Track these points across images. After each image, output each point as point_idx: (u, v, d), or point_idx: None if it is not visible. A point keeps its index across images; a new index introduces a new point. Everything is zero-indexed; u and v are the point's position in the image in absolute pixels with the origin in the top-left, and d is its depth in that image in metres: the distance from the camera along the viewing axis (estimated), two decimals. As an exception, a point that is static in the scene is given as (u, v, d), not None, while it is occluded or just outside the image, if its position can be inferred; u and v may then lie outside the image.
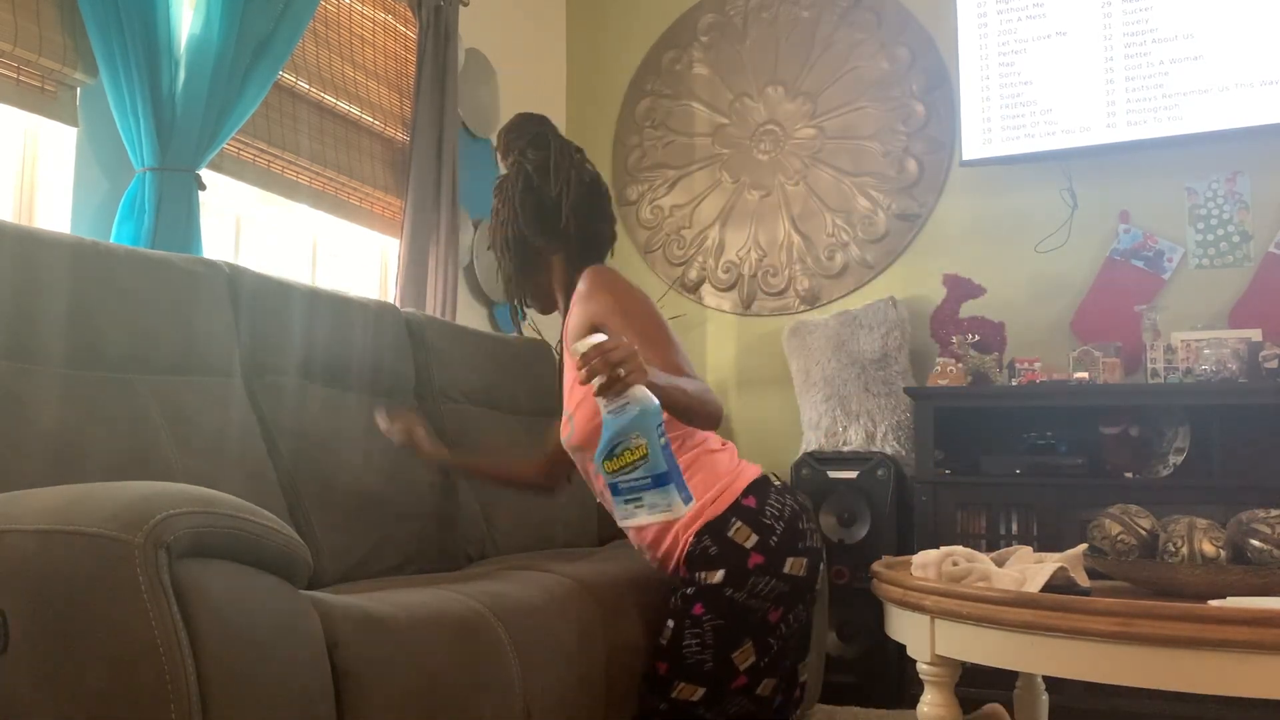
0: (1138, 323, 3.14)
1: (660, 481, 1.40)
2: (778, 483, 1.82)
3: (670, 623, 1.72)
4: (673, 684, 1.68)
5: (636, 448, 1.39)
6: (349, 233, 3.04)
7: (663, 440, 1.41)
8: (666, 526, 1.76)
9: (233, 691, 1.01)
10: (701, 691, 1.67)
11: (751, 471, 1.80)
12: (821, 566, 1.83)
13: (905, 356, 3.35)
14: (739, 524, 1.71)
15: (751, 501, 1.73)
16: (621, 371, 1.38)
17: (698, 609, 1.69)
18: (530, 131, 1.95)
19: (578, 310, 1.80)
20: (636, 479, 1.41)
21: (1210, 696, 2.48)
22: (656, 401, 1.42)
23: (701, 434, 1.82)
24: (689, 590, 1.71)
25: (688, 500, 1.43)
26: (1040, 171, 3.39)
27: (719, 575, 1.68)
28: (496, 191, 1.97)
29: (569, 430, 1.84)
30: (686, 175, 3.93)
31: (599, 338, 1.41)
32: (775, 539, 1.71)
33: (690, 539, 1.73)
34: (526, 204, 1.90)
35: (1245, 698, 1.31)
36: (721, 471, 1.77)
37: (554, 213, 1.89)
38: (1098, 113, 3.19)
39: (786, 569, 1.70)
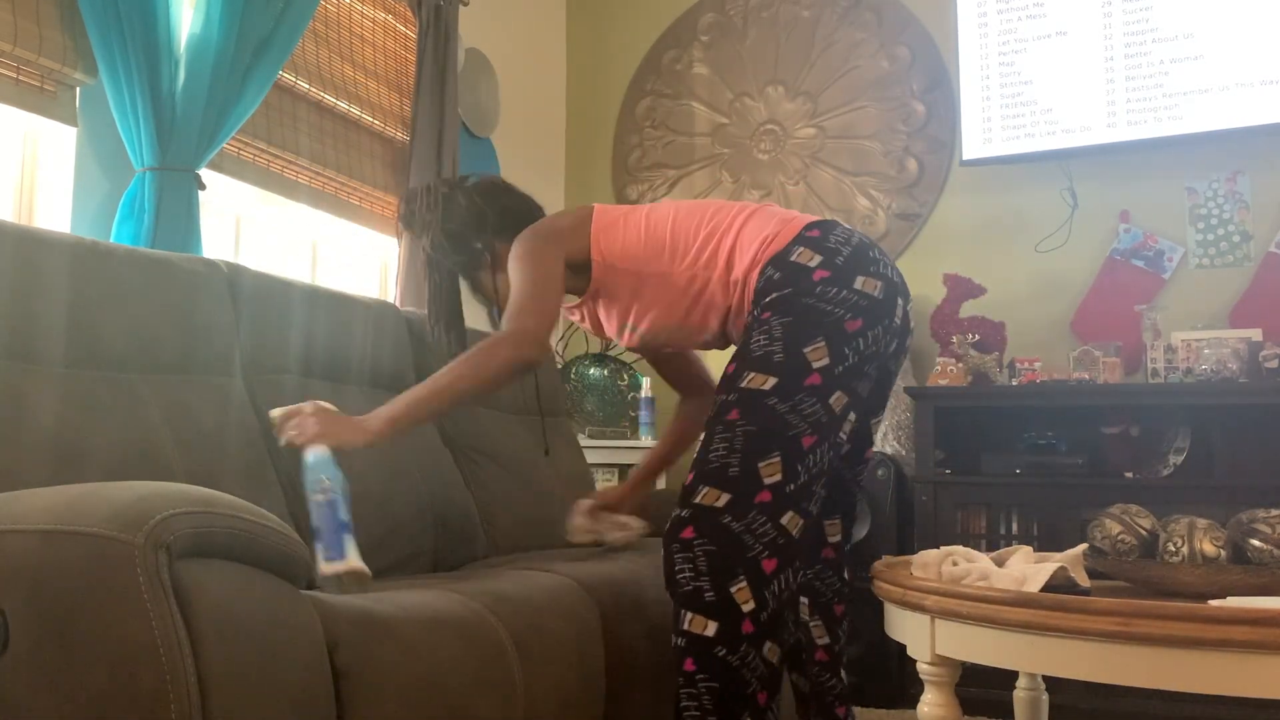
0: (1138, 323, 3.14)
1: (315, 534, 1.52)
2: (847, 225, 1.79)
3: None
4: (697, 489, 1.59)
5: (307, 497, 1.58)
6: (349, 233, 3.04)
7: (320, 499, 1.54)
8: (726, 286, 1.74)
9: (233, 691, 1.01)
10: (726, 497, 1.56)
11: (809, 218, 1.77)
12: (906, 307, 1.74)
13: (905, 356, 3.35)
14: (801, 249, 1.67)
15: (815, 232, 1.70)
16: (292, 434, 1.64)
17: (733, 414, 1.59)
18: (418, 203, 2.00)
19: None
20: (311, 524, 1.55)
21: (1210, 696, 2.48)
22: (314, 458, 1.60)
23: (723, 215, 1.78)
24: (729, 397, 1.61)
25: (329, 559, 1.47)
26: (1040, 171, 3.39)
27: (788, 289, 1.64)
28: (427, 261, 2.01)
29: (632, 336, 1.89)
30: (686, 175, 3.93)
31: (278, 412, 1.67)
32: (841, 259, 1.66)
33: (755, 277, 1.69)
34: (450, 237, 1.95)
35: (1245, 698, 1.31)
36: (777, 218, 1.75)
37: (470, 219, 1.94)
38: (1098, 112, 3.19)
39: (858, 285, 1.64)
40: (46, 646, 0.98)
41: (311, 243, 2.96)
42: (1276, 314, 3.05)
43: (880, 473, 3.11)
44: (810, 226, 1.72)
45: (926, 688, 1.63)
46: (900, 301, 1.72)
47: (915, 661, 1.65)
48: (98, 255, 1.68)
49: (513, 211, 1.96)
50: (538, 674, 1.48)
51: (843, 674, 1.91)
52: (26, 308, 1.55)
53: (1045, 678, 2.08)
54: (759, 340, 1.62)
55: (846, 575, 1.95)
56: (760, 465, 1.57)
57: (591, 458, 3.08)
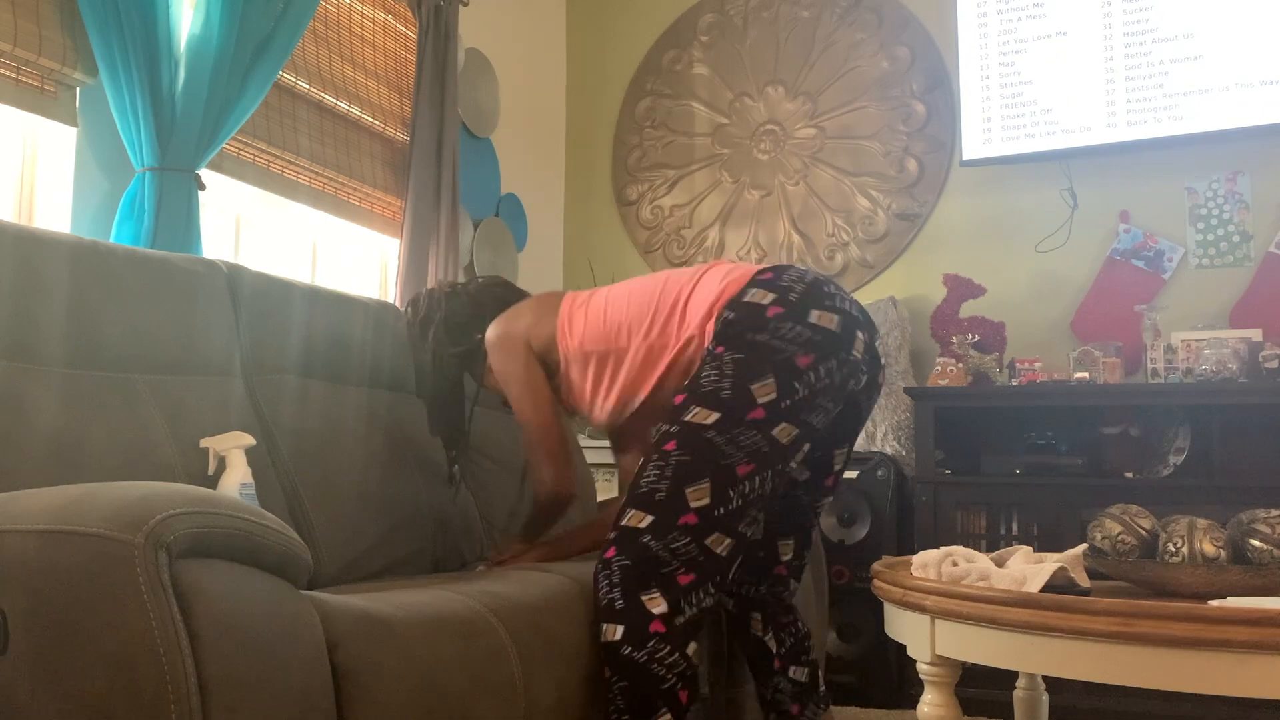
0: (1138, 323, 3.14)
1: None
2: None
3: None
4: (625, 512, 1.64)
5: None
6: (349, 233, 3.04)
7: None
8: (683, 347, 1.78)
9: (233, 691, 1.01)
10: (649, 519, 1.61)
11: (765, 266, 1.81)
12: (870, 340, 1.75)
13: (905, 356, 3.35)
14: (755, 289, 1.69)
15: (768, 275, 1.72)
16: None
17: (669, 445, 1.63)
18: (421, 303, 2.14)
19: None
20: None
21: (1210, 696, 2.48)
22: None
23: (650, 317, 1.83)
24: (671, 429, 1.65)
25: None
26: (1040, 171, 3.39)
27: (739, 326, 1.67)
28: (431, 365, 2.11)
29: (600, 412, 1.94)
30: (686, 175, 3.93)
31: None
32: (794, 295, 1.67)
33: (712, 326, 1.72)
34: (450, 331, 2.09)
35: (1245, 698, 1.31)
36: (729, 271, 1.79)
37: (470, 311, 2.08)
38: (1098, 113, 3.19)
39: (812, 319, 1.65)
40: (46, 646, 0.98)
41: (311, 243, 2.96)
42: (1276, 314, 3.05)
43: (880, 473, 3.11)
44: (763, 271, 1.75)
45: (926, 688, 1.63)
46: (860, 335, 1.71)
47: (915, 661, 1.65)
48: (98, 255, 1.68)
49: (510, 304, 2.07)
50: (538, 674, 1.48)
51: (795, 672, 1.91)
52: (26, 308, 1.54)
53: (1045, 678, 2.08)
54: (709, 375, 1.65)
55: (795, 587, 1.99)
56: (688, 490, 1.60)
57: (591, 458, 3.09)
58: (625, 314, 1.85)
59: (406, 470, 2.14)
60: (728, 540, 1.62)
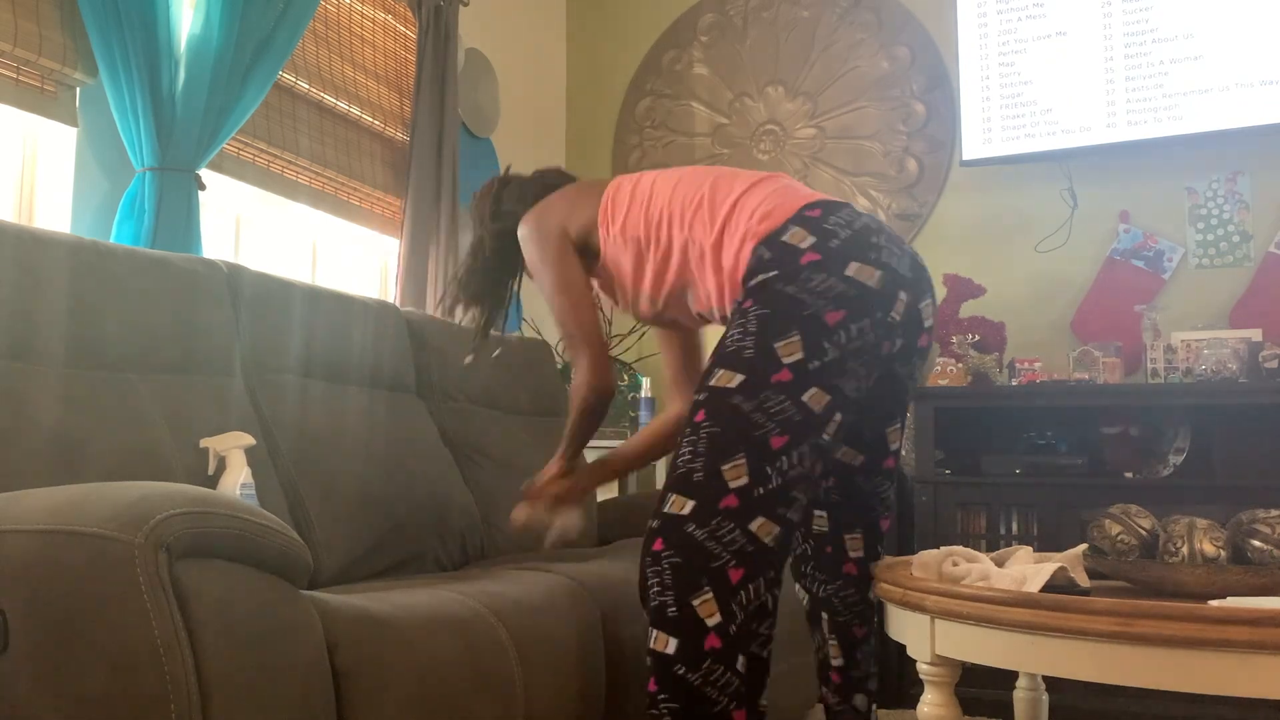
0: (1138, 323, 3.14)
1: None
2: (866, 212, 1.67)
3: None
4: (666, 497, 1.53)
5: None
6: (349, 233, 3.04)
7: None
8: (719, 257, 1.67)
9: (233, 691, 1.01)
10: (691, 504, 1.49)
11: (820, 195, 1.68)
12: (918, 304, 1.62)
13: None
14: (795, 228, 1.57)
15: (816, 212, 1.60)
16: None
17: (699, 415, 1.53)
18: (483, 191, 2.07)
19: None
20: None
21: (1210, 696, 2.48)
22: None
23: (696, 200, 1.71)
24: (698, 396, 1.55)
25: None
26: (1040, 171, 3.39)
27: (770, 274, 1.55)
28: (474, 244, 2.04)
29: (644, 305, 1.84)
30: (686, 175, 3.93)
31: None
32: (836, 242, 1.55)
33: (747, 254, 1.61)
34: (496, 216, 2.01)
35: (1245, 698, 1.31)
36: (779, 192, 1.66)
37: (518, 194, 2.00)
38: (1098, 113, 3.19)
39: (849, 272, 1.53)
40: (46, 646, 0.99)
41: (311, 243, 2.96)
42: (1276, 314, 3.05)
43: (880, 473, 3.10)
44: (812, 205, 1.61)
45: (926, 688, 1.63)
46: (903, 295, 1.59)
47: (915, 661, 1.65)
48: (98, 255, 1.68)
49: (553, 186, 1.98)
50: (538, 674, 1.49)
51: (859, 700, 1.81)
52: (26, 308, 1.55)
53: (1045, 678, 2.08)
54: (734, 333, 1.55)
55: (873, 594, 1.83)
56: (724, 468, 1.48)
57: (591, 458, 3.08)
58: (668, 204, 1.73)
59: (406, 470, 2.14)
60: (775, 528, 1.50)
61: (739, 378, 1.51)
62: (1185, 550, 1.53)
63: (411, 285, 2.97)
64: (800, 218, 1.59)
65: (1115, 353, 3.04)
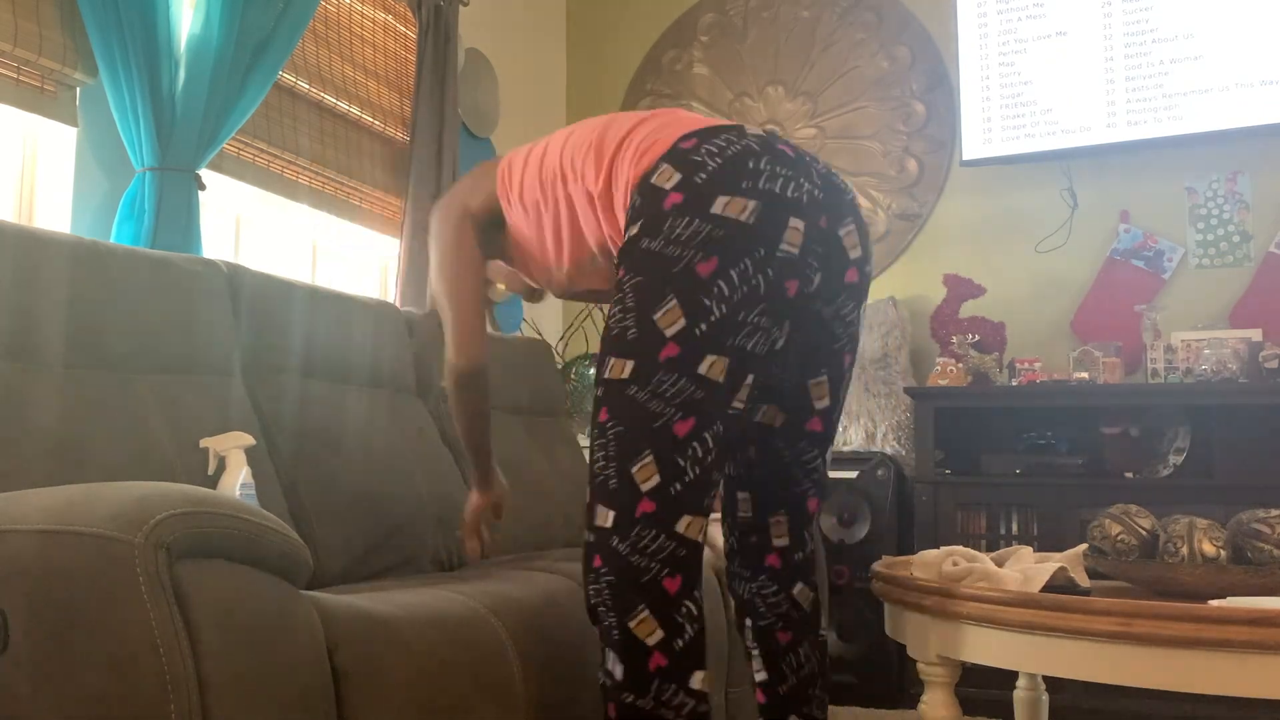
0: (1138, 323, 3.14)
1: None
2: (759, 131, 1.42)
3: None
4: (594, 509, 1.37)
5: None
6: (349, 233, 3.04)
7: None
8: (610, 213, 1.48)
9: (233, 691, 1.01)
10: (612, 515, 1.34)
11: (712, 120, 1.46)
12: (802, 226, 1.36)
13: (905, 356, 3.35)
14: (664, 165, 1.37)
15: (690, 143, 1.38)
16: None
17: (602, 414, 1.36)
18: None
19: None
20: None
21: (1210, 696, 2.48)
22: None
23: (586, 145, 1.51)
24: (597, 392, 1.39)
25: None
26: (1040, 171, 3.39)
27: (635, 227, 1.36)
28: None
29: (557, 276, 1.65)
30: (686, 175, 3.93)
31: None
32: (703, 176, 1.33)
33: (626, 202, 1.43)
34: None
35: (1245, 698, 1.31)
36: (667, 125, 1.46)
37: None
38: (1098, 113, 3.19)
39: (716, 209, 1.31)
40: (46, 646, 0.98)
41: (311, 243, 2.96)
42: (1276, 314, 3.05)
43: (880, 473, 3.11)
44: (688, 135, 1.39)
45: (926, 688, 1.63)
46: (795, 222, 1.35)
47: (915, 661, 1.65)
48: (98, 255, 1.68)
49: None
50: (538, 674, 1.48)
51: None
52: (26, 308, 1.55)
53: (1045, 678, 2.09)
54: (615, 311, 1.36)
55: (799, 593, 1.59)
56: (633, 470, 1.32)
57: (591, 458, 3.08)
58: (559, 157, 1.55)
59: (406, 470, 2.14)
60: (702, 520, 1.36)
61: (629, 364, 1.33)
62: (1185, 550, 1.53)
63: (411, 285, 2.97)
64: (672, 151, 1.38)
65: (1115, 353, 3.04)
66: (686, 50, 3.99)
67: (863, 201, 3.65)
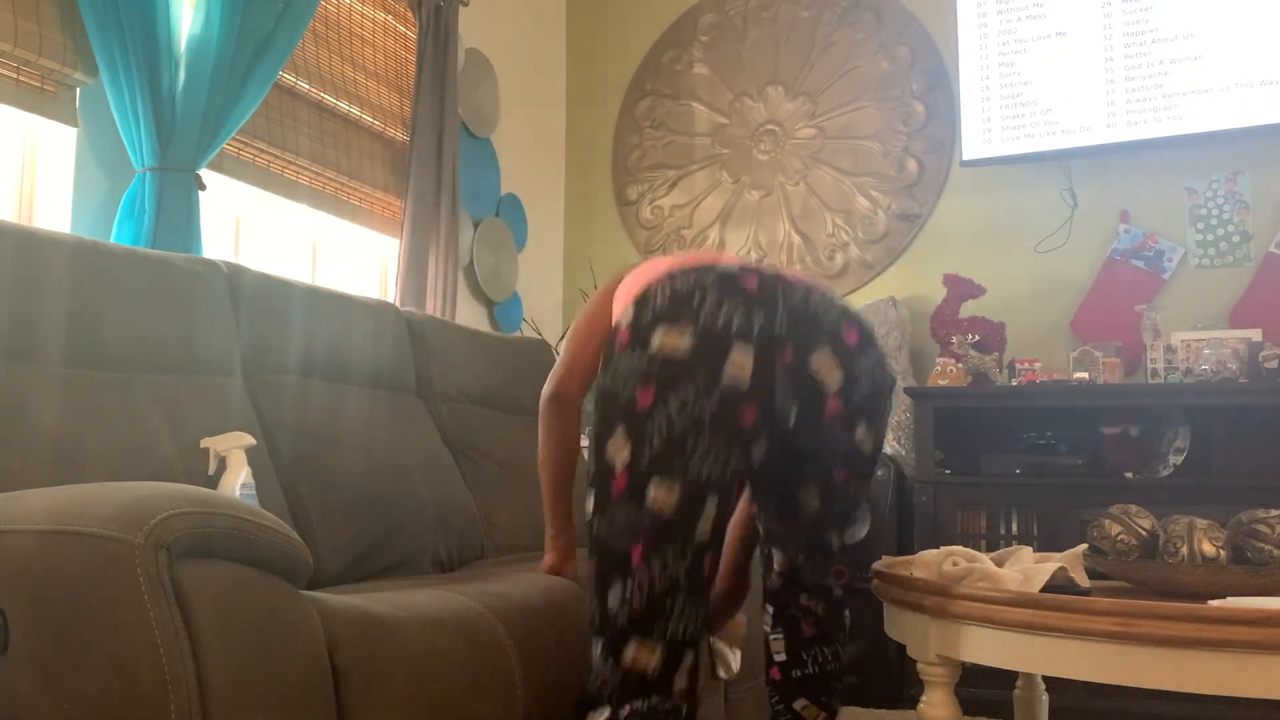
0: (1138, 323, 3.14)
1: None
2: (732, 268, 1.42)
3: None
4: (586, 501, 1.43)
5: None
6: (349, 233, 3.04)
7: None
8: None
9: (233, 691, 1.01)
10: (590, 499, 1.38)
11: (698, 259, 1.48)
12: (743, 357, 1.34)
13: (905, 356, 3.35)
14: (629, 307, 1.42)
15: (659, 281, 1.42)
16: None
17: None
18: None
19: None
20: None
21: (1210, 696, 2.48)
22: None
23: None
24: None
25: None
26: (1040, 171, 3.39)
27: (601, 368, 1.43)
28: None
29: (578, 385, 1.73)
30: (686, 175, 3.93)
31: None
32: (649, 313, 1.37)
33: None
34: None
35: (1245, 698, 1.31)
36: (664, 262, 1.54)
37: None
38: (1098, 113, 3.19)
39: (655, 341, 1.34)
40: (46, 646, 0.98)
41: (311, 243, 2.96)
42: (1276, 314, 3.05)
43: (880, 473, 3.11)
44: (661, 277, 1.43)
45: (926, 688, 1.63)
46: (736, 352, 1.34)
47: (915, 661, 1.65)
48: (98, 255, 1.68)
49: None
50: (538, 674, 1.48)
51: (804, 708, 1.64)
52: (26, 308, 1.55)
53: (1045, 678, 2.08)
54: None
55: (833, 582, 1.63)
56: (607, 445, 1.35)
57: (591, 458, 3.08)
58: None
59: (406, 470, 2.14)
60: (673, 485, 1.33)
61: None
62: (1185, 550, 1.53)
63: (411, 285, 2.97)
64: (641, 292, 1.43)
65: (1115, 353, 3.04)
66: (686, 50, 3.99)
67: (863, 201, 3.65)
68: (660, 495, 1.32)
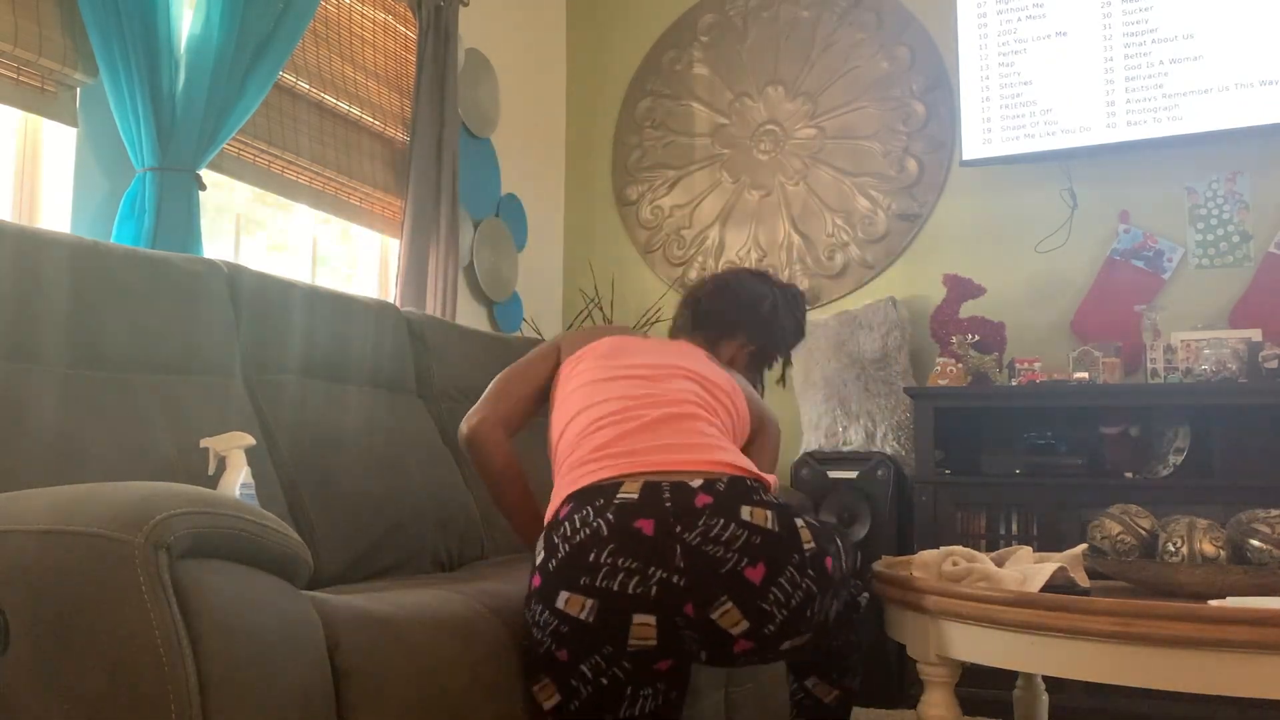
0: (1138, 323, 3.14)
1: None
2: (625, 496, 1.41)
3: None
4: None
5: None
6: (349, 233, 3.04)
7: None
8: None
9: (233, 692, 1.01)
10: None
11: (596, 474, 1.47)
12: (713, 613, 1.35)
13: (905, 356, 3.35)
14: (542, 537, 1.47)
15: (565, 510, 1.45)
16: None
17: None
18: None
19: None
20: None
21: (1210, 696, 2.48)
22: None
23: (571, 450, 1.60)
24: None
25: None
26: (1040, 171, 3.39)
27: (527, 594, 1.47)
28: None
29: None
30: (686, 175, 3.93)
31: None
32: (555, 562, 1.40)
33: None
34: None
35: (1245, 698, 1.31)
36: (571, 471, 1.54)
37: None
38: (1098, 113, 3.19)
39: (560, 603, 1.37)
40: (46, 646, 0.98)
41: (311, 243, 2.96)
42: (1276, 314, 3.05)
43: (880, 473, 3.11)
44: (570, 498, 1.45)
45: (926, 688, 1.63)
46: (643, 618, 1.35)
47: (915, 661, 1.65)
48: (98, 255, 1.68)
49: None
50: (538, 674, 1.48)
51: (815, 685, 1.69)
52: (26, 308, 1.55)
53: (1045, 678, 2.08)
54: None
55: (814, 686, 1.69)
56: (534, 688, 1.42)
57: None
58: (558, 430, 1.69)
59: (406, 470, 2.14)
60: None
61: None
62: (1185, 550, 1.53)
63: (411, 285, 2.97)
64: (551, 520, 1.47)
65: (1115, 353, 3.04)
66: (686, 50, 3.99)
67: (862, 201, 3.65)
68: None
